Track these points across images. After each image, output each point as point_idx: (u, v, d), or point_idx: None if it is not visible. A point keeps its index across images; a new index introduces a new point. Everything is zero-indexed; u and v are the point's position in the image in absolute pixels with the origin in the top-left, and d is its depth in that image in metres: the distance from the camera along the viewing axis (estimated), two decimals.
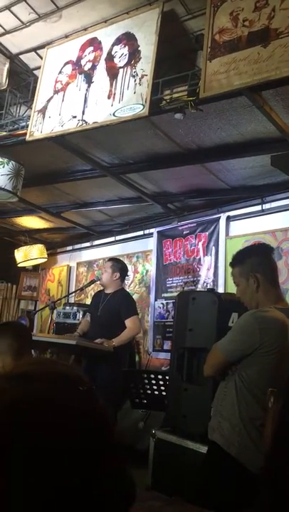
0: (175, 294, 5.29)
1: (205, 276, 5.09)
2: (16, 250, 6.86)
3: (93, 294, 4.93)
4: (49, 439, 0.60)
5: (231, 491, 2.07)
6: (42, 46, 3.82)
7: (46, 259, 6.99)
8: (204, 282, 5.08)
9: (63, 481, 0.60)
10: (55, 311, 5.15)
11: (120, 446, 0.69)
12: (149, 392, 3.39)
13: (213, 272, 5.00)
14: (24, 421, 0.60)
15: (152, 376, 3.39)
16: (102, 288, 4.57)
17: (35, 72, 4.02)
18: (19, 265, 6.89)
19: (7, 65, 3.89)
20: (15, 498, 0.58)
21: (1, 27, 3.74)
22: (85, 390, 0.68)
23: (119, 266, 4.44)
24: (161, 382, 3.32)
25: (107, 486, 0.64)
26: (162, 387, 3.32)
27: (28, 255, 6.77)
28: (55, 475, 0.59)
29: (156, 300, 5.55)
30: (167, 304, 5.43)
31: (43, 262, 7.16)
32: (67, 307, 5.71)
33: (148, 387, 3.39)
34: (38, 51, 3.89)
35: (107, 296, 4.34)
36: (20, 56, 4.00)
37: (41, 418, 0.61)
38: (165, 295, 5.48)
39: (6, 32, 3.78)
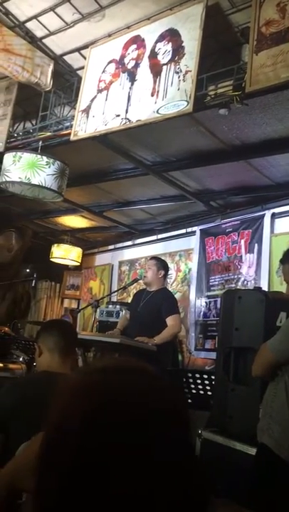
0: (217, 292, 5.24)
1: (245, 273, 5.00)
2: (55, 244, 6.93)
3: (135, 292, 4.95)
4: (146, 430, 0.60)
5: (281, 494, 2.02)
6: (85, 46, 3.85)
7: (79, 263, 7.12)
8: (244, 280, 5.00)
9: (162, 472, 0.58)
10: (98, 310, 5.19)
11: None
12: (193, 391, 3.35)
13: (255, 269, 4.91)
14: (120, 411, 0.60)
15: (197, 375, 3.35)
16: (143, 287, 4.57)
17: (78, 72, 4.06)
18: (52, 259, 6.97)
19: (51, 67, 3.94)
20: (117, 495, 0.57)
21: (46, 28, 3.80)
22: (169, 384, 0.69)
23: (162, 264, 4.45)
24: (206, 382, 3.27)
25: (192, 480, 0.62)
26: (207, 387, 3.27)
27: (68, 255, 6.89)
28: (155, 467, 0.58)
29: (198, 298, 5.51)
30: (210, 302, 5.37)
31: (85, 261, 7.24)
32: (110, 306, 5.74)
33: (193, 386, 3.35)
34: (82, 51, 3.92)
35: (149, 293, 4.34)
36: (64, 57, 4.05)
37: (137, 409, 0.61)
38: (208, 293, 5.42)
39: (51, 33, 3.83)
